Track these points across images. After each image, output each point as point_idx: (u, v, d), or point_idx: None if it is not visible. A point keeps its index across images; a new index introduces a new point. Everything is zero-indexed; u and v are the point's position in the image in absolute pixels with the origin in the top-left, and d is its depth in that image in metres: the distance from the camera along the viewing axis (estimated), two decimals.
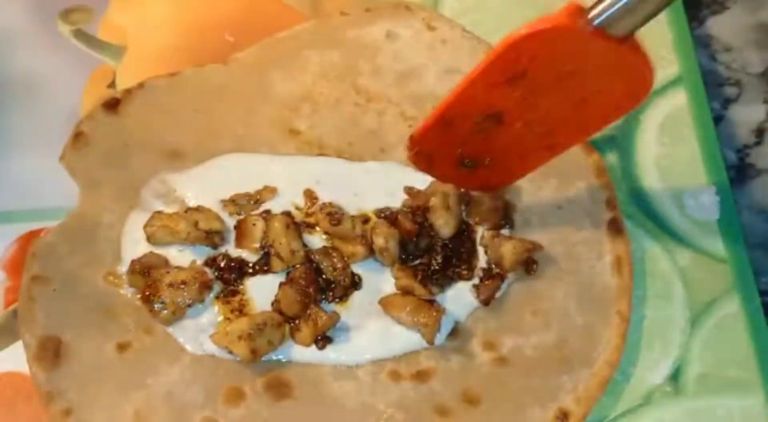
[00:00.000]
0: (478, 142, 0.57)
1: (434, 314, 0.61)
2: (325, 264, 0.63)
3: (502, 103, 0.53)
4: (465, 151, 0.58)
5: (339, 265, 0.63)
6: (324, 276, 0.63)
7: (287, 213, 0.65)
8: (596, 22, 0.48)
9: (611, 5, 0.47)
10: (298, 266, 0.63)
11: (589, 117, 0.55)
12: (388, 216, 0.65)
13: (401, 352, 0.62)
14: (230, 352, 0.60)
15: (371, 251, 0.64)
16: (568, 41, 0.49)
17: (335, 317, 0.61)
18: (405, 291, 0.63)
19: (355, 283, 0.64)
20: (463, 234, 0.65)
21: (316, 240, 0.65)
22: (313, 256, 0.63)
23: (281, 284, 0.62)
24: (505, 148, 0.57)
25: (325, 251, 0.63)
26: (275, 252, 0.63)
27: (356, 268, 0.64)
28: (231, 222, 0.65)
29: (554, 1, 0.78)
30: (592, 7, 0.48)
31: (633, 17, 0.48)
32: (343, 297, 0.63)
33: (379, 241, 0.63)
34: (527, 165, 0.60)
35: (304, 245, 0.64)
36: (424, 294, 0.62)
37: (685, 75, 0.76)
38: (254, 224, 0.64)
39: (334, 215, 0.64)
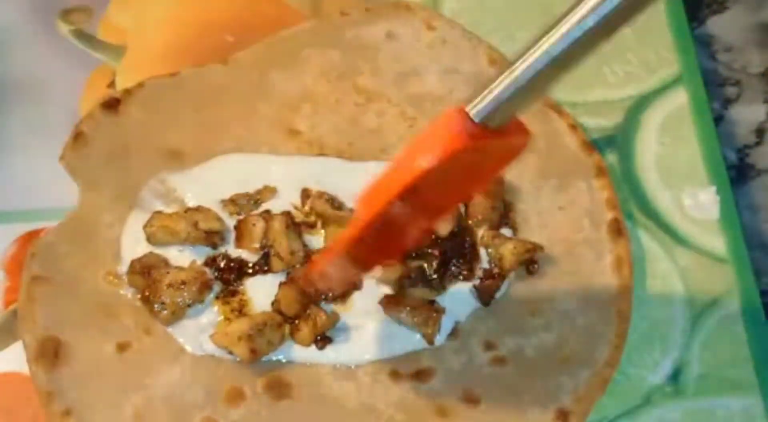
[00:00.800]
0: (369, 250, 0.56)
1: (434, 314, 0.61)
2: None
3: (393, 217, 0.53)
4: (358, 259, 0.58)
5: None
6: None
7: (287, 213, 0.65)
8: (479, 118, 0.48)
9: (494, 101, 0.47)
10: (298, 266, 0.63)
11: (470, 188, 0.56)
12: None
13: (401, 352, 0.62)
14: (230, 353, 0.60)
15: None
16: (462, 153, 0.49)
17: (335, 317, 0.61)
18: (405, 292, 0.63)
19: (355, 283, 0.64)
20: (464, 235, 0.65)
21: (316, 240, 0.65)
22: (313, 256, 0.63)
23: (281, 284, 0.62)
24: (391, 240, 0.56)
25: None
26: (275, 252, 0.63)
27: None
28: (231, 222, 0.65)
29: (554, 1, 0.79)
30: (473, 104, 0.48)
31: (515, 107, 0.48)
32: (344, 297, 0.63)
33: None
34: (407, 246, 0.59)
35: (305, 245, 0.64)
36: (424, 295, 0.63)
37: (685, 75, 0.76)
38: (254, 224, 0.64)
39: (334, 200, 0.64)
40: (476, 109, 0.48)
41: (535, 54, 0.46)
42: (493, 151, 0.51)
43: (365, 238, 0.54)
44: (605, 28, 0.44)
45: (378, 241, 0.55)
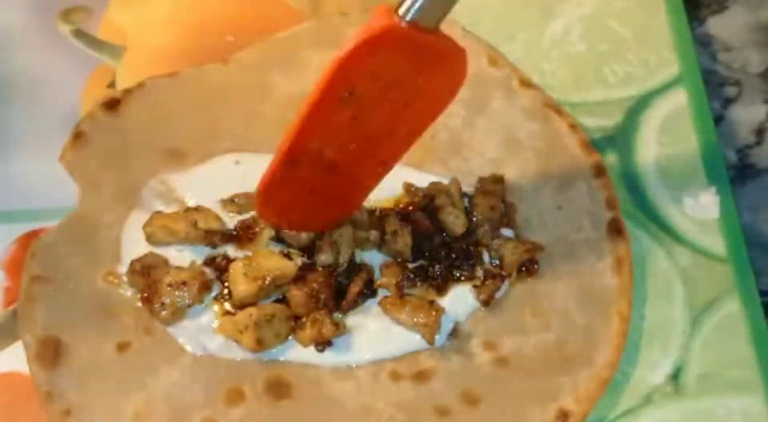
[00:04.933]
0: (321, 177, 0.55)
1: (434, 314, 0.61)
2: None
3: (337, 128, 0.53)
4: (311, 191, 0.56)
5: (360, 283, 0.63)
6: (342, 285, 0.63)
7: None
8: (408, 17, 0.49)
9: None
10: (320, 269, 0.62)
11: (412, 121, 0.55)
12: (400, 212, 0.65)
13: (401, 352, 0.62)
14: (236, 342, 0.60)
15: (383, 240, 0.64)
16: (389, 45, 0.50)
17: (341, 329, 0.61)
18: (403, 293, 0.63)
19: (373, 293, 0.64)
20: (470, 234, 0.65)
21: None
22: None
23: (293, 282, 0.62)
24: (345, 175, 0.56)
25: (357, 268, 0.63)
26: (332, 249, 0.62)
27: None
28: (231, 221, 0.65)
29: (553, 1, 0.79)
30: (400, 5, 0.50)
31: (441, 6, 0.49)
32: (354, 307, 0.63)
33: (395, 238, 0.63)
34: (365, 189, 0.59)
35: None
36: (424, 295, 0.63)
37: (685, 75, 0.76)
38: (263, 228, 0.63)
39: None
40: (403, 7, 0.49)
41: None
42: (426, 59, 0.51)
43: (305, 155, 0.53)
44: None
45: (324, 167, 0.54)
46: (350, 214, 0.63)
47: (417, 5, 0.49)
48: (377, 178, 0.59)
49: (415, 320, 0.61)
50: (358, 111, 0.52)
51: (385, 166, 0.57)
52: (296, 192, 0.57)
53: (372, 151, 0.55)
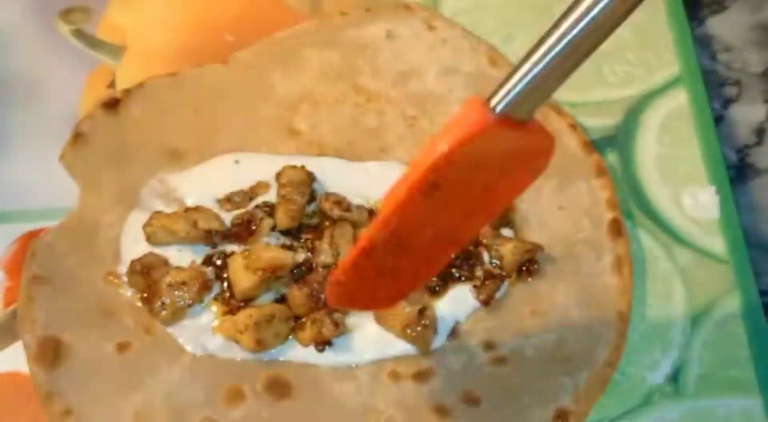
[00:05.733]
0: (393, 260, 0.53)
1: (425, 329, 0.61)
2: None
3: (417, 217, 0.51)
4: (382, 274, 0.54)
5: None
6: None
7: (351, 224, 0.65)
8: (499, 109, 0.47)
9: (513, 90, 0.47)
10: (320, 270, 0.62)
11: (491, 203, 0.53)
12: None
13: (401, 353, 0.62)
14: (236, 342, 0.60)
15: None
16: (482, 140, 0.48)
17: (341, 329, 0.61)
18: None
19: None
20: None
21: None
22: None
23: (293, 283, 0.62)
24: (418, 256, 0.54)
25: None
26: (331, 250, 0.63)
27: None
28: (228, 219, 0.65)
29: (553, 1, 0.79)
30: (493, 96, 0.47)
31: (535, 98, 0.47)
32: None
33: None
34: (435, 267, 0.57)
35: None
36: (419, 301, 0.62)
37: (685, 75, 0.76)
38: (261, 219, 0.64)
39: (343, 202, 0.64)
40: (495, 99, 0.47)
41: (553, 36, 0.45)
42: (515, 149, 0.50)
43: (382, 242, 0.51)
44: (621, 5, 0.45)
45: (398, 250, 0.52)
46: (417, 290, 0.60)
47: (510, 98, 0.47)
48: (448, 256, 0.58)
49: (406, 333, 0.61)
50: (441, 201, 0.50)
51: (459, 245, 0.56)
52: (368, 276, 0.56)
53: (448, 234, 0.54)
